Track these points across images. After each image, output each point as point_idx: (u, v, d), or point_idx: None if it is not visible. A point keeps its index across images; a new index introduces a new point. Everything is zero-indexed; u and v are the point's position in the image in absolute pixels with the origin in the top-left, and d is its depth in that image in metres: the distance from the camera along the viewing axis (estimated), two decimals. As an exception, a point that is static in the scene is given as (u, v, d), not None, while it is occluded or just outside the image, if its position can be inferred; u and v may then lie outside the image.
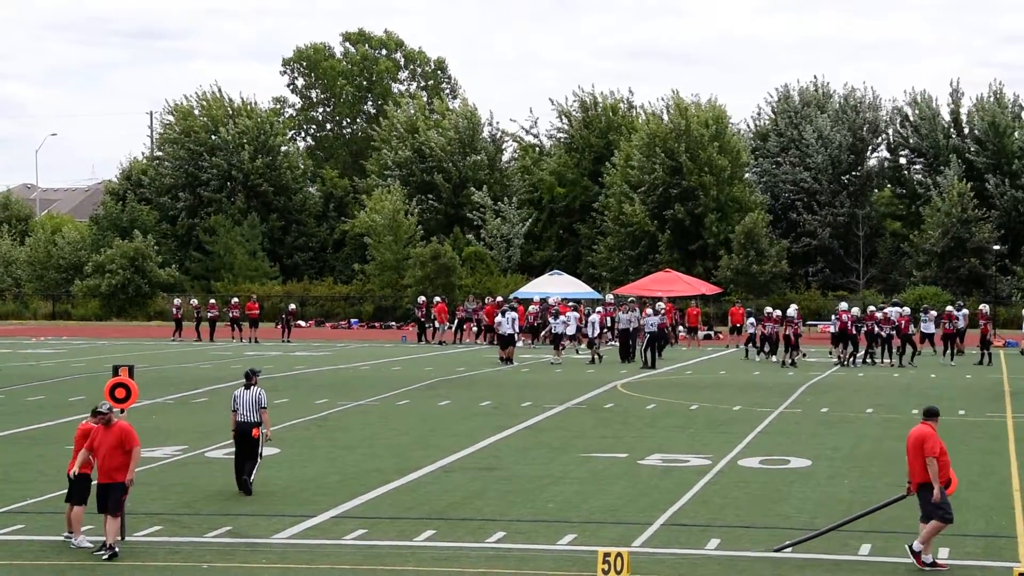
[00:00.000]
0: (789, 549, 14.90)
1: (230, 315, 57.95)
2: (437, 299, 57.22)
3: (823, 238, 74.62)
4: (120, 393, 16.24)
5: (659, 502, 17.83)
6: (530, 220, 78.86)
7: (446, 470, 20.76)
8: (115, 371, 16.50)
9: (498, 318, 44.01)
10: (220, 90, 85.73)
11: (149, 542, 15.41)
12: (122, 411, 16.22)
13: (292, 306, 60.13)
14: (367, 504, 17.91)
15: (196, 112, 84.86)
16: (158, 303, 76.23)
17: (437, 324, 55.21)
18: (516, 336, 44.98)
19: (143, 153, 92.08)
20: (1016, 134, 73.64)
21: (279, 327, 57.49)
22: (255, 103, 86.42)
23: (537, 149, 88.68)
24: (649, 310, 43.91)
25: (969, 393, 33.05)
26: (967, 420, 27.32)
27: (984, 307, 45.36)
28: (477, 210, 77.32)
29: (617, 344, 45.47)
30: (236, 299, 59.98)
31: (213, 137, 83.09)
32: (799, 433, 25.36)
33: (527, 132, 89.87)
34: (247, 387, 18.64)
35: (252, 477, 18.40)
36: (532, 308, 53.96)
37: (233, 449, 18.85)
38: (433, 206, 79.36)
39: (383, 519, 16.84)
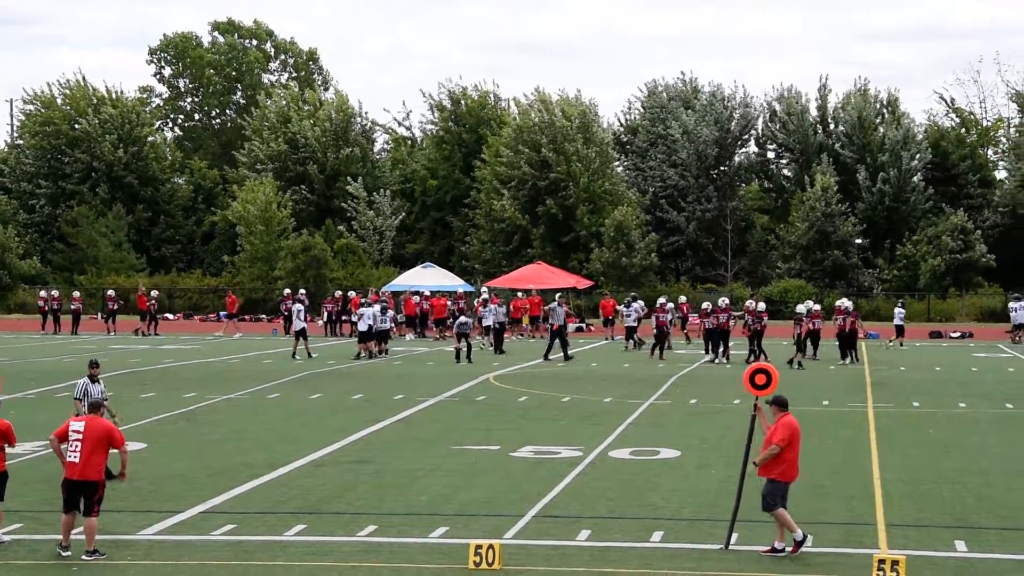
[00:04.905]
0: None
1: (107, 307, 56.92)
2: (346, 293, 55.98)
3: (690, 234, 75.63)
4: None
5: (531, 494, 17.91)
6: (403, 212, 78.66)
7: (317, 464, 20.63)
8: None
9: (362, 311, 43.37)
10: (84, 79, 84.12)
11: (10, 540, 15.05)
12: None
13: (141, 288, 58.95)
14: (236, 499, 17.71)
15: (59, 101, 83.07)
16: (19, 295, 74.45)
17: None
18: (373, 329, 43.88)
19: (6, 141, 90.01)
20: (880, 129, 75.36)
21: (147, 321, 56.46)
22: (121, 92, 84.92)
23: (410, 141, 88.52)
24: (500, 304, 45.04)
25: (832, 384, 33.77)
26: (830, 411, 27.93)
27: (847, 302, 44.08)
28: (350, 200, 76.83)
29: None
30: (112, 292, 59.01)
31: (76, 127, 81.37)
32: (668, 424, 25.68)
33: (400, 124, 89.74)
34: (96, 379, 19.20)
35: None
36: (416, 299, 54.26)
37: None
38: (306, 197, 78.70)
39: (253, 514, 16.67)
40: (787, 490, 14.80)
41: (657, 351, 42.27)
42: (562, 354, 41.80)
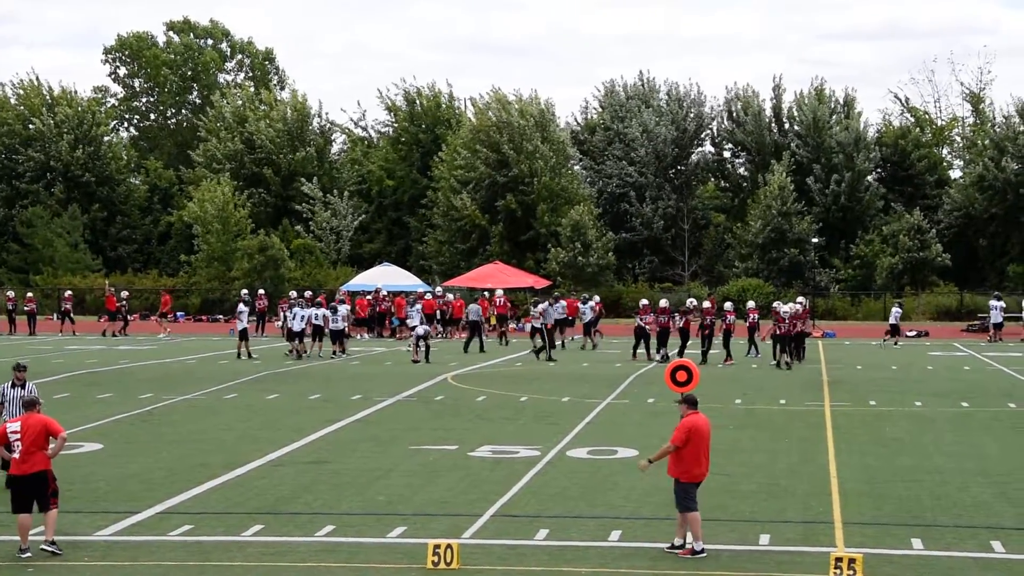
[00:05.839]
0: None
1: (62, 308, 56.62)
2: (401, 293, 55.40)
3: (656, 229, 75.81)
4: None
5: (489, 494, 17.91)
6: (361, 213, 78.52)
7: (275, 464, 20.55)
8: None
9: (294, 311, 42.97)
10: (38, 78, 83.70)
11: (-36, 543, 14.92)
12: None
13: (110, 289, 58.37)
14: (194, 499, 17.62)
15: (12, 100, 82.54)
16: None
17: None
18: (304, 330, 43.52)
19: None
20: (835, 129, 75.81)
21: (104, 319, 56.05)
22: (75, 92, 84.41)
23: (366, 141, 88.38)
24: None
25: (789, 383, 33.93)
26: (787, 409, 28.06)
27: (801, 301, 43.95)
28: (307, 202, 76.64)
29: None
30: (69, 292, 58.68)
31: (30, 126, 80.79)
32: (626, 423, 25.72)
33: (356, 124, 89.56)
34: (17, 384, 17.98)
35: None
36: (368, 299, 54.11)
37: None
38: (264, 199, 78.41)
39: (210, 514, 16.59)
40: (695, 490, 14.63)
41: (642, 351, 41.17)
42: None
